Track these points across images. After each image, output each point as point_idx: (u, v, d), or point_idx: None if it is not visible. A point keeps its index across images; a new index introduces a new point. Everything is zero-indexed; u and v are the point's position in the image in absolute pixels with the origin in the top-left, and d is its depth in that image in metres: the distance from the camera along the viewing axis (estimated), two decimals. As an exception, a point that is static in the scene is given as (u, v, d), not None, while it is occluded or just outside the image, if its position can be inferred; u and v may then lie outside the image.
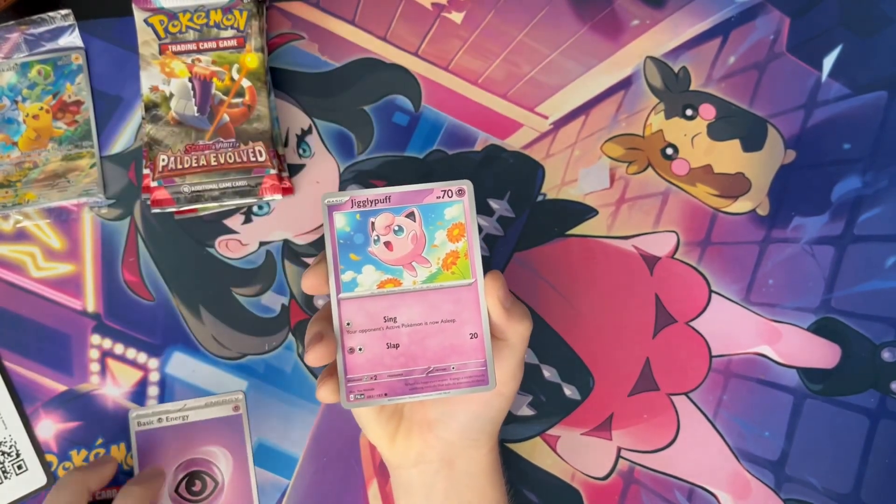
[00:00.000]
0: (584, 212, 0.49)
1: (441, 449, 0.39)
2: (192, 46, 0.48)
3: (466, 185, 0.35)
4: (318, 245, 0.49)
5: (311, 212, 0.49)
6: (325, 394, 0.35)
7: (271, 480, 0.48)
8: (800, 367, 0.48)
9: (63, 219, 0.49)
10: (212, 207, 0.48)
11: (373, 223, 0.36)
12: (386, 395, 0.35)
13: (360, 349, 0.35)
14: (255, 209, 0.49)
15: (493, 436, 0.40)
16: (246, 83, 0.47)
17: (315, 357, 0.34)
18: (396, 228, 0.36)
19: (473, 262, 0.35)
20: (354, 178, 0.49)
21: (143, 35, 0.48)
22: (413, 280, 0.35)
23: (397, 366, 0.35)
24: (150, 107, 0.47)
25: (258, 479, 0.48)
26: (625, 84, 0.50)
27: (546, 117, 0.50)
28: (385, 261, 0.35)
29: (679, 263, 0.49)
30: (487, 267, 0.49)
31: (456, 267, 0.36)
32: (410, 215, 0.36)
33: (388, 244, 0.36)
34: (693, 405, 0.48)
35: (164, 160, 0.46)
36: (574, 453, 0.48)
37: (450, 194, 0.35)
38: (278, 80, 0.50)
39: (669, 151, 0.49)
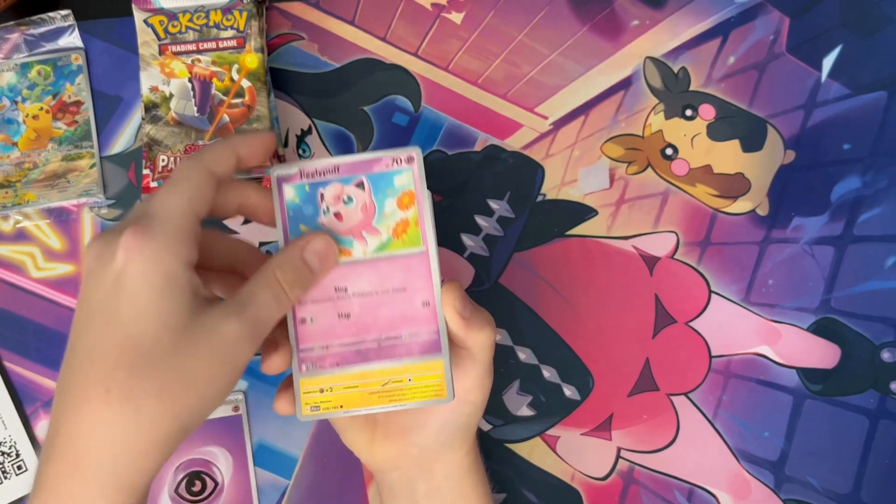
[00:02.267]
0: (583, 212, 0.49)
1: (417, 455, 0.39)
2: (192, 47, 0.48)
3: (416, 153, 0.35)
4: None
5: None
6: (281, 406, 0.35)
7: (271, 480, 0.48)
8: (799, 367, 0.48)
9: (63, 219, 0.49)
10: (212, 208, 0.48)
11: (322, 194, 0.35)
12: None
13: (311, 319, 0.35)
14: (254, 209, 0.49)
15: (468, 439, 0.40)
16: (246, 83, 0.47)
17: (271, 366, 0.34)
18: (346, 199, 0.35)
19: (424, 230, 0.35)
20: (354, 178, 0.49)
21: (143, 35, 0.48)
22: (363, 250, 0.35)
23: (349, 335, 0.35)
24: (150, 107, 0.47)
25: (258, 479, 0.48)
26: (624, 84, 0.50)
27: (546, 117, 0.50)
28: (335, 231, 0.35)
29: (679, 264, 0.49)
30: (488, 270, 0.49)
31: (406, 235, 0.35)
32: (360, 185, 0.35)
33: (337, 214, 0.35)
34: (693, 405, 0.48)
35: (164, 160, 0.46)
36: (574, 453, 0.48)
37: (399, 162, 0.35)
38: (278, 80, 0.50)
39: (669, 152, 0.49)
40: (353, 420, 0.39)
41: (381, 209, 0.35)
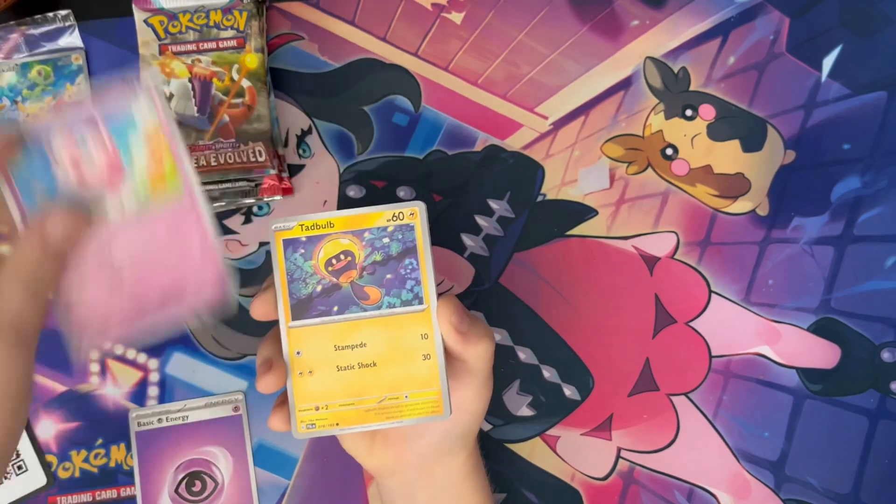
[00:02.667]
0: (583, 212, 0.49)
1: (416, 461, 0.39)
2: (192, 47, 0.48)
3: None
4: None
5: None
6: (277, 423, 0.35)
7: (271, 480, 0.48)
8: (799, 367, 0.48)
9: (63, 219, 0.49)
10: (212, 208, 0.48)
11: (49, 143, 0.30)
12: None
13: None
14: (255, 209, 0.49)
15: (467, 446, 0.40)
16: (246, 83, 0.47)
17: (266, 385, 0.33)
18: (79, 140, 0.30)
19: (185, 172, 0.31)
20: (354, 178, 0.49)
21: (143, 35, 0.48)
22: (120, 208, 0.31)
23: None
24: (150, 107, 0.47)
25: (258, 479, 0.48)
26: (624, 84, 0.50)
27: (546, 118, 0.50)
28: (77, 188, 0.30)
29: (679, 264, 0.49)
30: (488, 270, 0.49)
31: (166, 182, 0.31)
32: (91, 122, 0.30)
33: (74, 164, 0.30)
34: (693, 405, 0.48)
35: (164, 160, 0.46)
36: (574, 453, 0.48)
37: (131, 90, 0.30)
38: (278, 80, 0.50)
39: (669, 152, 0.49)
40: None
41: (126, 153, 0.30)
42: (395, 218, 0.34)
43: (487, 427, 0.48)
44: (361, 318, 0.34)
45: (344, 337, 0.34)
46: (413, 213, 0.34)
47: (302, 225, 0.34)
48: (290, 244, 0.34)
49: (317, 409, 0.34)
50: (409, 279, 0.34)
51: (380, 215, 0.34)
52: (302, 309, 0.34)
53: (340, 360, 0.34)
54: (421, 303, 0.34)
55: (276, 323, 0.35)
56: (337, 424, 0.34)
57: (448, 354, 0.35)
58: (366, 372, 0.34)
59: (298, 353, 0.34)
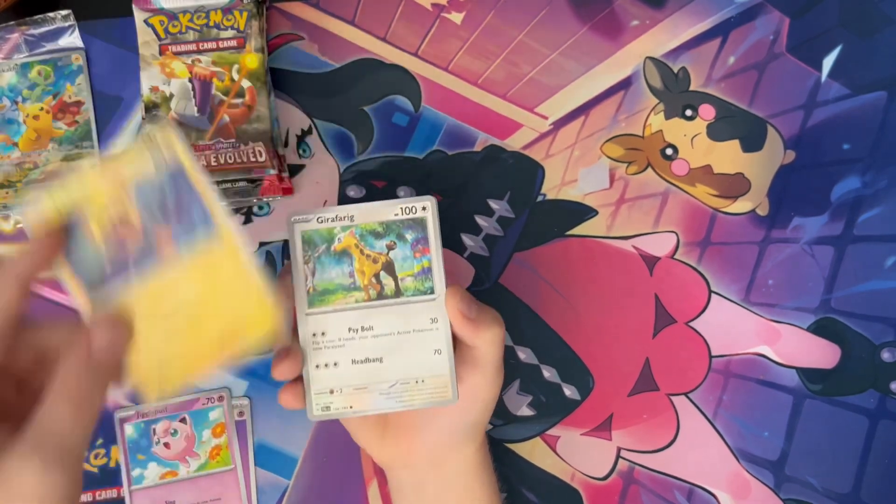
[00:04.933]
0: (583, 212, 0.49)
1: (426, 452, 0.39)
2: (193, 47, 0.48)
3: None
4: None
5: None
6: (288, 399, 0.35)
7: (271, 480, 0.48)
8: (799, 367, 0.48)
9: (63, 219, 0.49)
10: (212, 208, 0.48)
11: (154, 429, 0.45)
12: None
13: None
14: (255, 209, 0.49)
15: (477, 437, 0.40)
16: (246, 83, 0.47)
17: (282, 372, 0.35)
18: (172, 432, 0.45)
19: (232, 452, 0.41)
20: (354, 178, 0.49)
21: (144, 35, 0.48)
22: (187, 470, 0.45)
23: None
24: (151, 107, 0.47)
25: (258, 479, 0.48)
26: (624, 84, 0.50)
27: (546, 118, 0.50)
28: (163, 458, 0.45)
29: (679, 263, 0.49)
30: (488, 270, 0.49)
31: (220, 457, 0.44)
32: (182, 420, 0.44)
33: (166, 444, 0.45)
34: (693, 405, 0.48)
35: (164, 160, 0.46)
36: (574, 453, 0.48)
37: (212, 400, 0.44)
38: (278, 80, 0.50)
39: (669, 152, 0.49)
40: (365, 419, 0.39)
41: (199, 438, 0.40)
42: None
43: (488, 427, 0.48)
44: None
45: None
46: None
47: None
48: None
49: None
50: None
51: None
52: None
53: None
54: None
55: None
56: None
57: (459, 344, 0.36)
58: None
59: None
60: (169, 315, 0.33)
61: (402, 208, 0.36)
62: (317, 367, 0.36)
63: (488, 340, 0.36)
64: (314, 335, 0.36)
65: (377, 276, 0.36)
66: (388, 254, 0.36)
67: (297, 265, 0.36)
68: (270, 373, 0.35)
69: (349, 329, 0.36)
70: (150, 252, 0.32)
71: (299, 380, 0.36)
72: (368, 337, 0.36)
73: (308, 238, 0.36)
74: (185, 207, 0.32)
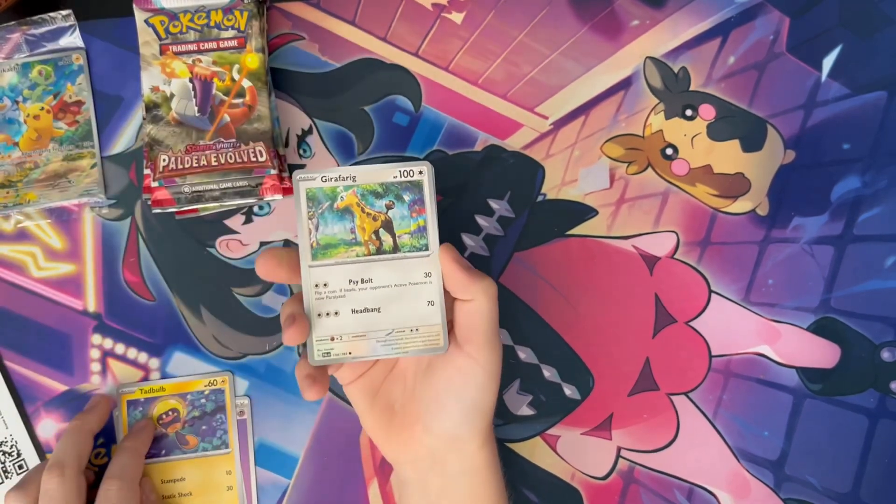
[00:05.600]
0: (584, 212, 0.49)
1: (430, 446, 0.39)
2: (193, 47, 0.48)
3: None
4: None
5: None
6: (291, 336, 0.36)
7: (271, 480, 0.48)
8: (799, 366, 0.48)
9: (64, 219, 0.49)
10: (212, 208, 0.48)
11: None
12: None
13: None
14: (255, 209, 0.49)
15: (482, 430, 0.39)
16: (246, 83, 0.47)
17: (291, 337, 0.36)
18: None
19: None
20: (355, 178, 0.49)
21: (144, 35, 0.48)
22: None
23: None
24: (151, 107, 0.47)
25: (258, 479, 0.48)
26: (625, 84, 0.50)
27: (546, 117, 0.50)
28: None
29: (679, 263, 0.49)
30: (488, 270, 0.49)
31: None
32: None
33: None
34: (693, 405, 0.48)
35: (164, 160, 0.46)
36: (574, 453, 0.48)
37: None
38: (279, 80, 0.50)
39: (669, 151, 0.49)
40: (371, 405, 0.40)
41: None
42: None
43: (488, 426, 0.48)
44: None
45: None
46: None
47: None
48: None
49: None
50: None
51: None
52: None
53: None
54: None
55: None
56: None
57: (455, 312, 0.38)
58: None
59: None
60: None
61: (400, 171, 0.38)
62: (319, 315, 0.38)
63: (482, 290, 0.37)
64: (317, 286, 0.38)
65: (377, 232, 0.38)
66: (387, 213, 0.38)
67: (301, 220, 0.38)
68: (282, 340, 0.36)
69: (350, 281, 0.38)
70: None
71: (302, 319, 0.38)
72: (367, 288, 0.38)
73: (312, 195, 0.38)
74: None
